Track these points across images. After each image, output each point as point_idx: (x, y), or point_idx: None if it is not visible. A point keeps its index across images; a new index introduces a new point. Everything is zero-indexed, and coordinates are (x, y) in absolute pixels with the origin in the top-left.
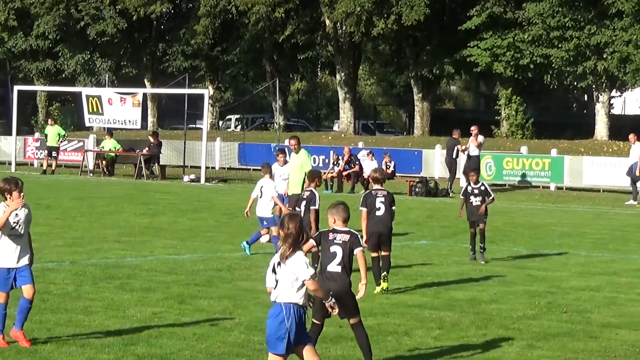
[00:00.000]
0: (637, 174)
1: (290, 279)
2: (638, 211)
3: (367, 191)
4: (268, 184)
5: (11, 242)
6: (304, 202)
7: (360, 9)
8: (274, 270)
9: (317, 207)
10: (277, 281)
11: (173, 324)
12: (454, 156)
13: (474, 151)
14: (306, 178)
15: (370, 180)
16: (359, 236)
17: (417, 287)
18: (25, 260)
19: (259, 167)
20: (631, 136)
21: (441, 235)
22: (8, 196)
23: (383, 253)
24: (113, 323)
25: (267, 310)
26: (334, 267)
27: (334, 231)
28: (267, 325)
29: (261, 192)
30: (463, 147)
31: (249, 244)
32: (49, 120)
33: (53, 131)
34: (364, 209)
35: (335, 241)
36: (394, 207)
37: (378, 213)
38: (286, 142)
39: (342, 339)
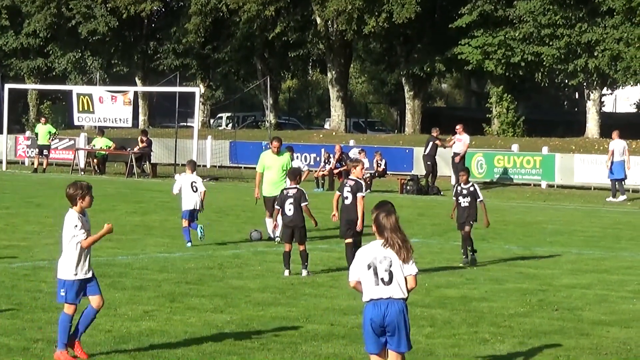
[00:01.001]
0: (607, 166)
1: (403, 276)
2: (629, 208)
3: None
4: (198, 179)
5: (86, 251)
6: (290, 200)
7: (352, 7)
8: (372, 267)
9: (307, 202)
10: (386, 278)
11: (164, 322)
12: (425, 152)
13: (458, 149)
14: (288, 176)
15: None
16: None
17: None
18: (91, 271)
19: (251, 166)
20: (614, 133)
21: (432, 233)
22: (80, 201)
23: (347, 240)
24: (104, 321)
25: (257, 309)
26: None
27: None
28: (398, 326)
29: (194, 185)
30: (441, 143)
31: (199, 231)
32: (41, 119)
33: (44, 129)
34: (337, 193)
35: None
36: (360, 194)
37: (346, 202)
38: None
39: (334, 337)
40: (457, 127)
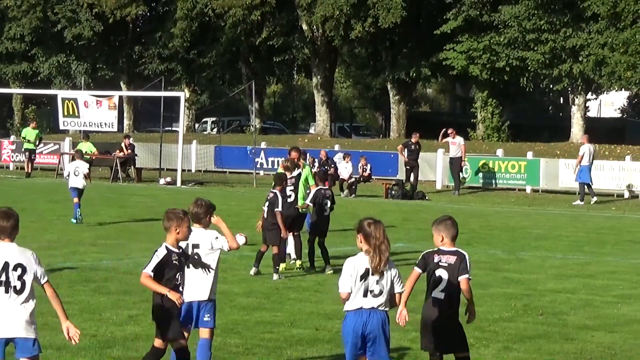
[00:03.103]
0: (575, 172)
1: (390, 291)
2: (613, 213)
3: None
4: (81, 164)
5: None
6: (266, 203)
7: (339, 12)
8: (364, 278)
9: (280, 209)
10: (376, 291)
11: (149, 327)
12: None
13: (453, 153)
14: (274, 180)
15: (283, 169)
16: (467, 257)
17: None
18: None
19: (236, 170)
20: (584, 138)
21: (417, 237)
22: (205, 219)
23: (294, 233)
24: (89, 326)
25: (242, 313)
26: (438, 293)
27: (440, 252)
28: (378, 335)
29: (76, 170)
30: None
31: (75, 217)
32: (34, 122)
33: (32, 134)
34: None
35: (440, 264)
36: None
37: (289, 200)
38: (262, 145)
39: (319, 342)
40: (450, 131)
